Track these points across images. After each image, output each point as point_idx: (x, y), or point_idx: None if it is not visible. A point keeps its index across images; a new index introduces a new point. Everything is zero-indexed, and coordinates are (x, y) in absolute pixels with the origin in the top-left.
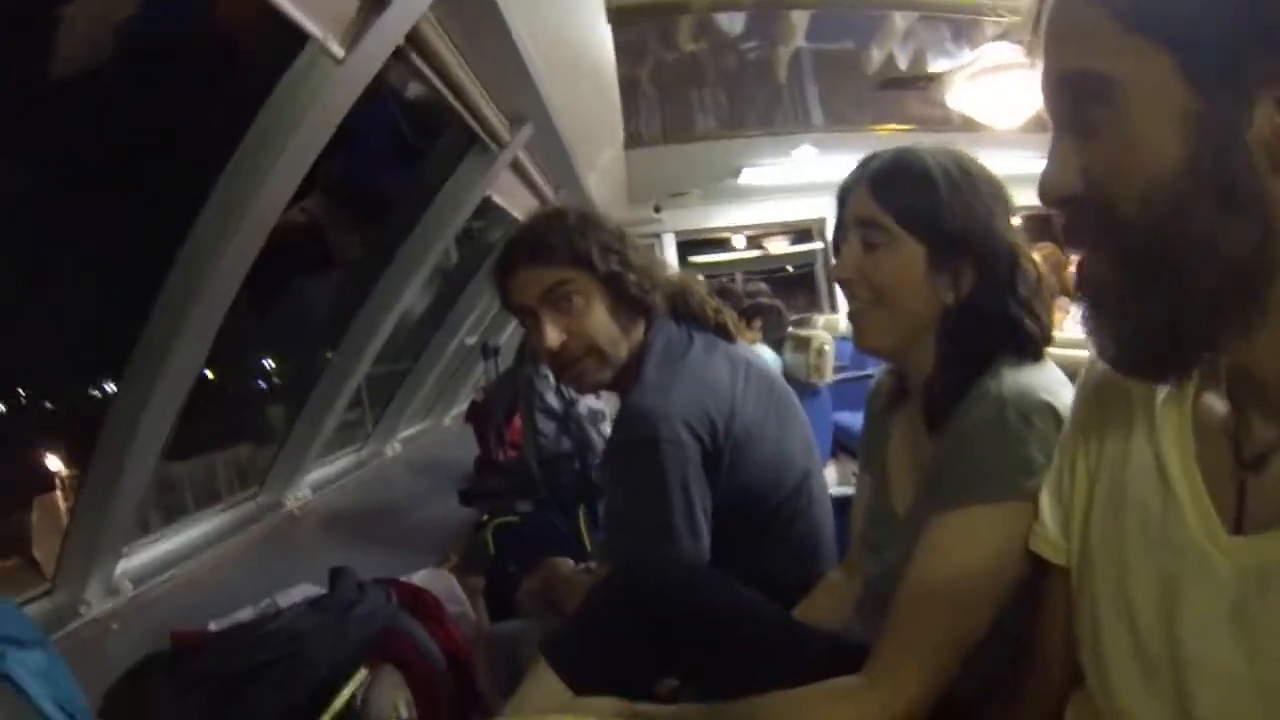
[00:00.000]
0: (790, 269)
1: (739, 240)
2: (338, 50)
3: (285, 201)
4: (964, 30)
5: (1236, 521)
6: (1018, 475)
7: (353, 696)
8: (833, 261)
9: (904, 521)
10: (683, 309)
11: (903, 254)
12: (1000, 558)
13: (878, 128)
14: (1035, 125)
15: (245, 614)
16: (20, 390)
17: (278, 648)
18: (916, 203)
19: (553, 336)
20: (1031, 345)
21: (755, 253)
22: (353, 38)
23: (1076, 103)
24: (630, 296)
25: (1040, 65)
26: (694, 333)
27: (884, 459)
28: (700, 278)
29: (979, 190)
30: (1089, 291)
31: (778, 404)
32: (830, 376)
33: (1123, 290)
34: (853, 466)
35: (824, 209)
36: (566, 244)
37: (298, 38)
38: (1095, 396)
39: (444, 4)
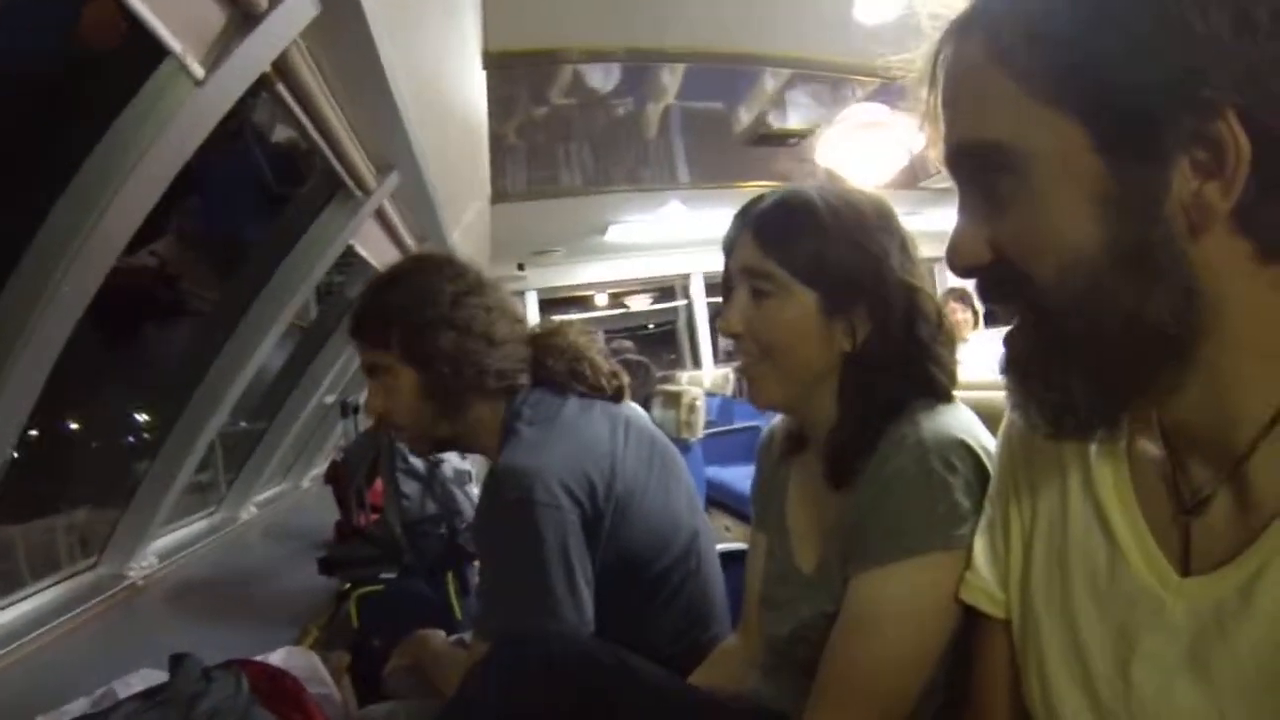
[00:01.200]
0: (652, 326)
1: (601, 298)
2: (198, 70)
3: (132, 230)
4: (833, 90)
5: (1184, 565)
6: (947, 525)
7: None
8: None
9: (812, 580)
10: (549, 372)
11: (793, 303)
12: (936, 612)
13: (745, 184)
14: (902, 181)
15: (78, 705)
16: None
17: None
18: (805, 248)
19: (371, 405)
20: (940, 387)
21: (617, 310)
22: (215, 58)
23: (981, 173)
24: (444, 386)
25: (929, 126)
26: (566, 393)
27: (781, 515)
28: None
29: (869, 228)
30: (1014, 364)
31: (661, 461)
32: (701, 431)
33: (1046, 363)
34: (727, 521)
35: (689, 265)
36: (380, 326)
37: (155, 53)
38: (1022, 449)
39: (316, 32)
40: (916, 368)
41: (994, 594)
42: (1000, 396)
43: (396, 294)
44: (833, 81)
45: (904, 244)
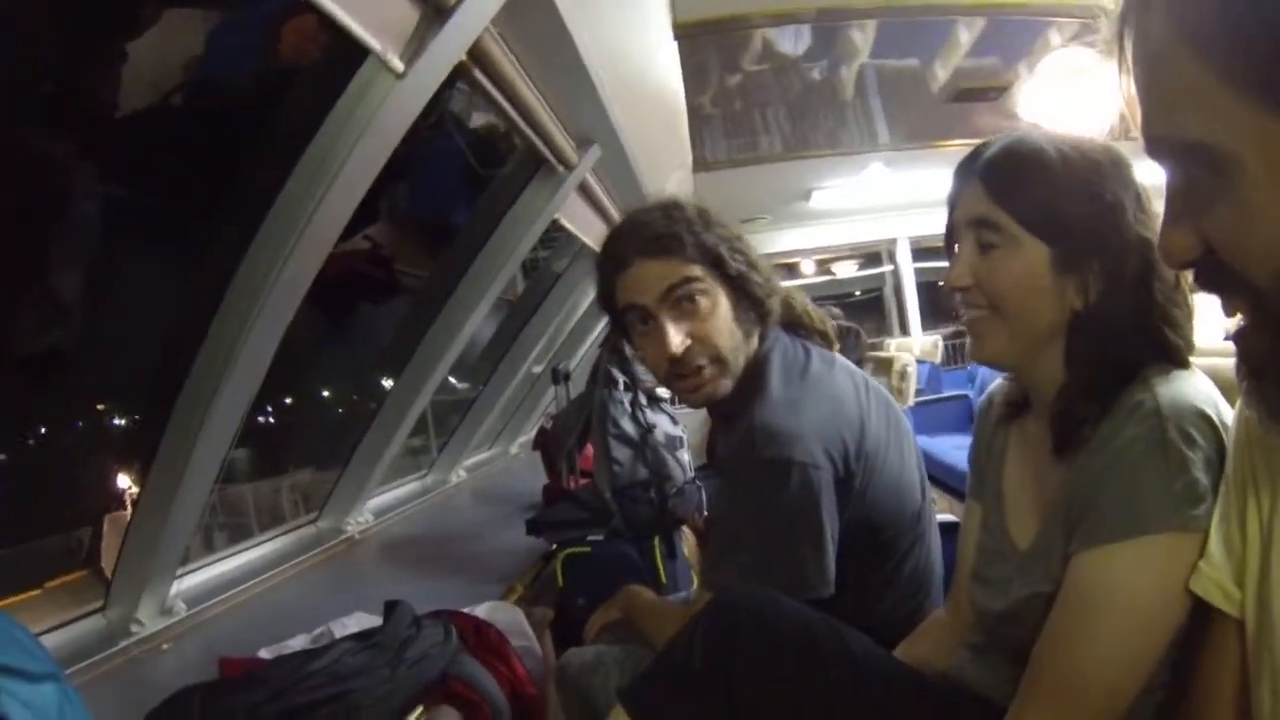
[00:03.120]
0: (859, 293)
1: (807, 265)
2: (398, 64)
3: (346, 219)
4: (1031, 36)
5: None
6: (1184, 504)
7: None
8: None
9: (1028, 555)
10: (790, 317)
11: (1024, 256)
12: (1166, 600)
13: (947, 143)
14: (1118, 132)
15: (298, 641)
16: (99, 405)
17: (324, 688)
18: (1036, 197)
19: (676, 340)
20: (1176, 352)
21: (823, 278)
22: (413, 51)
23: (1184, 168)
24: (755, 300)
25: (1124, 99)
26: (807, 345)
27: (998, 485)
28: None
29: (1105, 178)
30: (1245, 362)
31: (897, 424)
32: (912, 399)
33: (1277, 364)
34: (935, 493)
35: (893, 230)
36: (692, 237)
37: (357, 53)
38: (1262, 433)
39: (507, 18)
40: (1152, 329)
41: (1229, 589)
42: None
43: (690, 211)
44: (1029, 26)
45: (1139, 196)
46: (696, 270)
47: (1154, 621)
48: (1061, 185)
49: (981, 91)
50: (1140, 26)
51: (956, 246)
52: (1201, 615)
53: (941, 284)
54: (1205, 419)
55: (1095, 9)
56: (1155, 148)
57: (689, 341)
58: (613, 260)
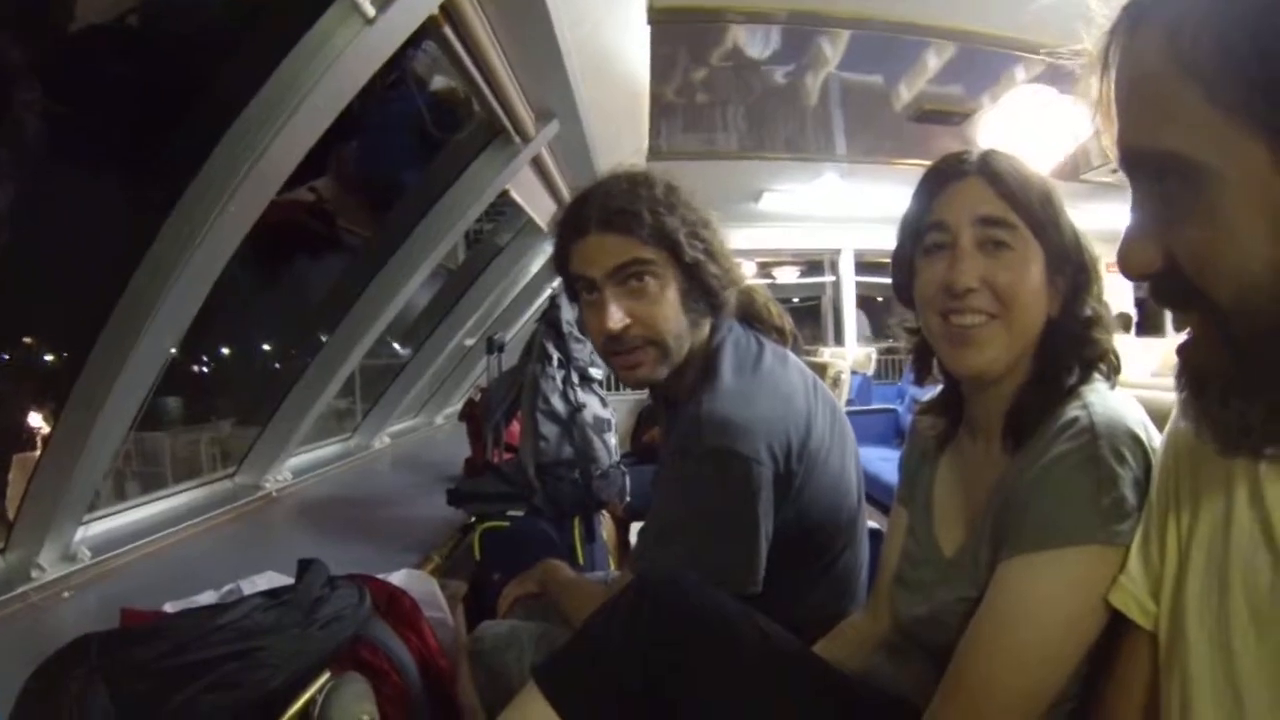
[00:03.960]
0: (797, 300)
1: (749, 266)
2: (369, 8)
3: (296, 160)
4: (998, 69)
5: None
6: (1111, 519)
7: (309, 704)
8: (833, 290)
9: (953, 562)
10: (749, 311)
11: (1031, 256)
12: (1086, 610)
13: (902, 161)
14: (1064, 172)
15: (205, 597)
16: (25, 340)
17: (230, 643)
18: (1037, 199)
19: (615, 318)
20: (1113, 369)
21: (764, 281)
22: None
23: (1156, 180)
24: (708, 289)
25: (1100, 116)
26: (761, 339)
27: (928, 493)
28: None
29: (1060, 194)
30: (1190, 377)
31: (840, 426)
32: (843, 407)
33: (1225, 381)
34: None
35: (839, 241)
36: (653, 217)
37: None
38: (1189, 454)
39: None
40: (1094, 344)
41: (1145, 603)
42: (1161, 397)
43: (658, 188)
44: (998, 59)
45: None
46: (649, 252)
47: (1073, 631)
48: (1049, 193)
49: (944, 115)
50: (1132, 43)
51: (935, 251)
52: (1116, 628)
53: (880, 299)
54: (1136, 440)
55: (1068, 50)
56: (1132, 159)
57: (628, 321)
58: (572, 226)
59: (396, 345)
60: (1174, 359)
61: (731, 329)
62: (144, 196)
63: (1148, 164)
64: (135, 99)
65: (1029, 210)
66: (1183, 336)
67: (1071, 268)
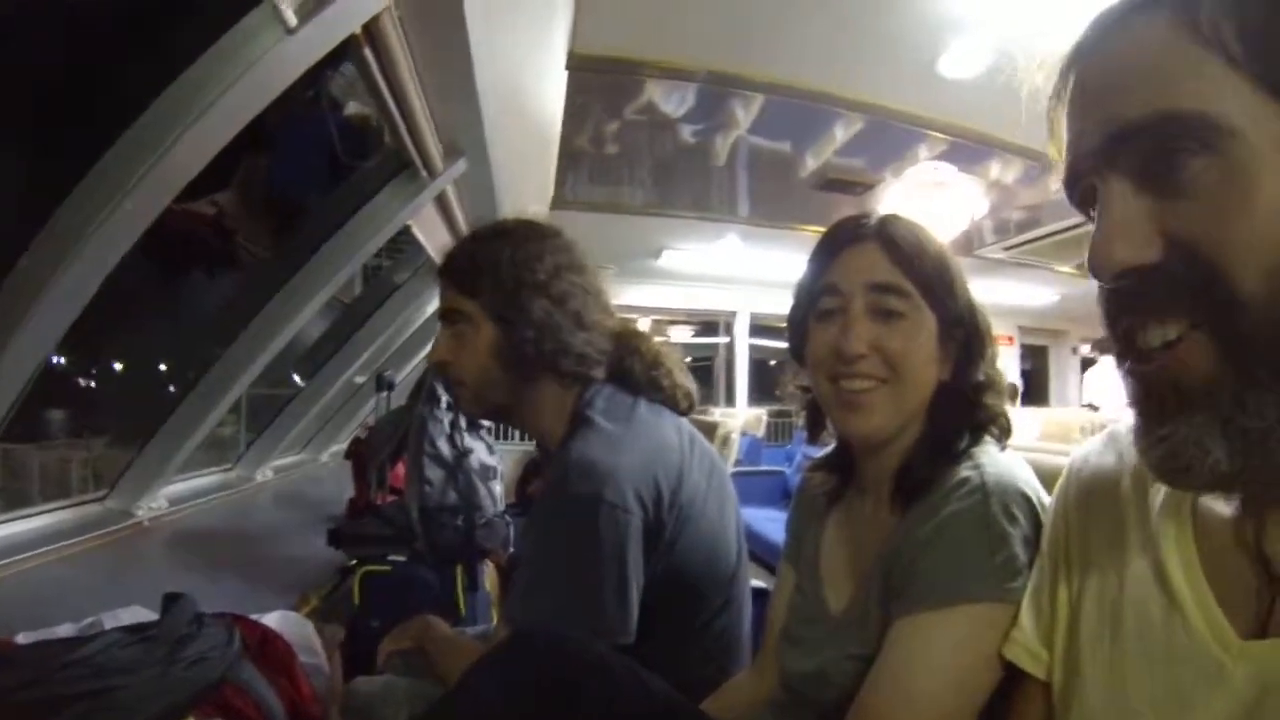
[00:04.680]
0: (689, 359)
1: (644, 324)
2: (291, 18)
3: (199, 165)
4: (904, 143)
5: (1261, 627)
6: (1003, 576)
7: None
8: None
9: (842, 619)
10: (627, 372)
11: (923, 323)
12: (980, 666)
13: (804, 227)
14: (958, 247)
15: (63, 629)
16: None
17: (85, 680)
18: (931, 266)
19: (435, 352)
20: (1003, 430)
21: (657, 338)
22: (310, 8)
23: (1159, 153)
24: (520, 352)
25: (1051, 145)
26: (637, 397)
27: (815, 552)
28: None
29: (956, 261)
30: (1167, 393)
31: (719, 480)
32: (731, 468)
33: (1224, 387)
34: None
35: (735, 303)
36: (475, 273)
37: None
38: (1080, 505)
39: (410, 4)
40: (985, 408)
41: (1036, 652)
42: (1048, 459)
43: (500, 247)
44: (903, 135)
45: None
46: (462, 303)
47: (968, 687)
48: (945, 260)
49: (847, 185)
50: (1126, 31)
51: (829, 317)
52: (1010, 681)
53: (773, 362)
54: (1027, 499)
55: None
56: (1129, 133)
57: (446, 358)
58: (439, 267)
59: (293, 376)
60: (1061, 421)
61: (601, 388)
62: (31, 185)
63: (1148, 134)
64: (40, 77)
65: (923, 278)
66: (1101, 372)
67: (965, 333)
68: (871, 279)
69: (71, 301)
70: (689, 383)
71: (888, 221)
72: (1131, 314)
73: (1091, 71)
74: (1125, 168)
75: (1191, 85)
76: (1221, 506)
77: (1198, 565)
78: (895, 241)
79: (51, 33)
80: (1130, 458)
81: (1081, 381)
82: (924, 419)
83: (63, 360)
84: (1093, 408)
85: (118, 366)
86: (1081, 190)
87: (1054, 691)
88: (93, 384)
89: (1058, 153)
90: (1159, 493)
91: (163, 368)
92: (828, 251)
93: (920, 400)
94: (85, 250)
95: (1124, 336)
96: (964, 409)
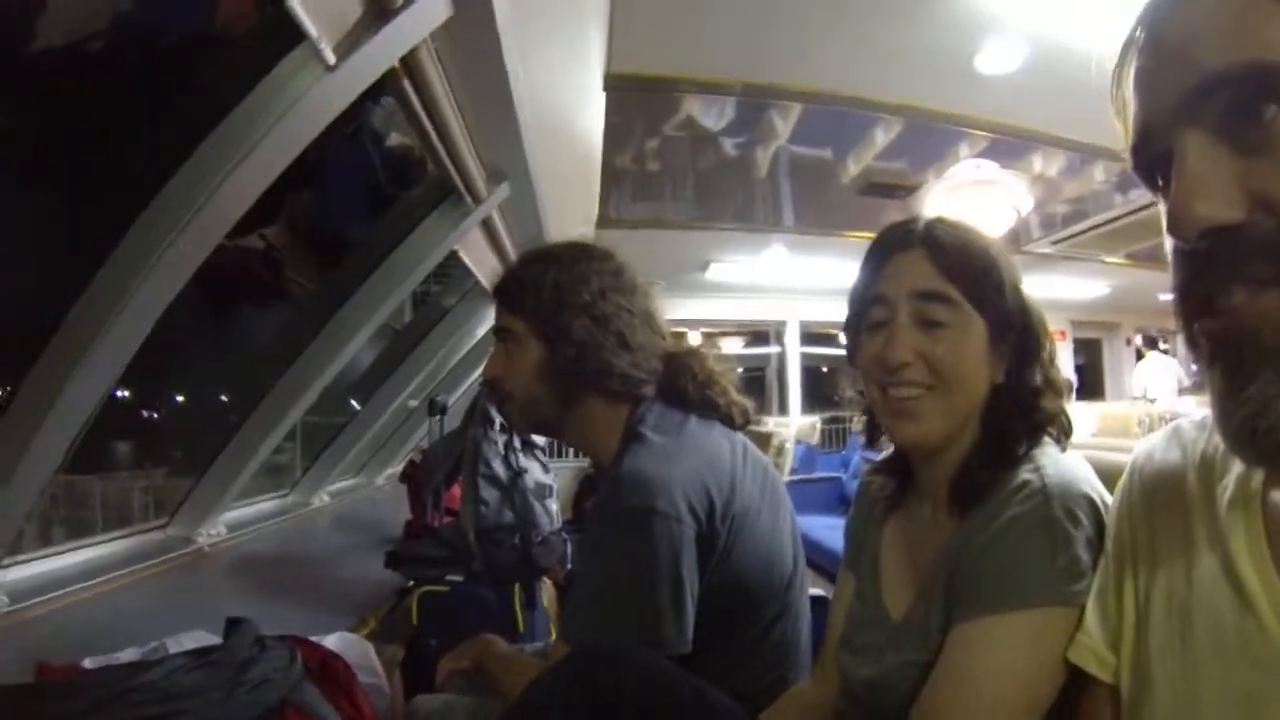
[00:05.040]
0: (741, 370)
1: (695, 337)
2: (330, 56)
3: (248, 204)
4: (944, 144)
5: None
6: (1066, 579)
7: None
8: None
9: (902, 625)
10: (680, 391)
11: (971, 331)
12: (1044, 671)
13: (848, 234)
14: (1008, 245)
15: (128, 654)
16: None
17: (150, 705)
18: (981, 273)
19: (487, 367)
20: (1063, 431)
21: (710, 351)
22: (348, 47)
23: (1239, 107)
24: (563, 369)
25: (1117, 120)
26: (689, 412)
27: (875, 557)
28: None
29: (1008, 259)
30: (1253, 338)
31: (773, 490)
32: (787, 477)
33: None
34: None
35: (785, 313)
36: (518, 292)
37: (292, 35)
38: (1144, 502)
39: (446, 34)
40: (1042, 410)
41: (1103, 656)
42: (1105, 456)
43: (547, 268)
44: (943, 135)
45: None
46: (511, 322)
47: (1032, 692)
48: (994, 261)
49: (890, 189)
50: None
51: (878, 327)
52: (1075, 686)
53: (825, 369)
54: (1089, 500)
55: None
56: (1211, 85)
57: (496, 373)
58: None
59: (351, 401)
60: (1119, 415)
61: (652, 406)
62: (88, 229)
63: (1231, 88)
64: (89, 126)
65: (969, 282)
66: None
67: (1016, 334)
68: (915, 287)
69: (129, 340)
70: (744, 400)
71: (933, 225)
72: (1212, 276)
73: (1170, 24)
74: (1205, 122)
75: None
76: None
77: (1270, 562)
78: (940, 246)
79: (99, 81)
80: (1194, 453)
81: (1133, 374)
82: (979, 423)
83: (124, 393)
84: (1149, 400)
85: (177, 398)
86: (1152, 154)
87: (1122, 696)
88: (153, 415)
89: (1121, 124)
90: (1226, 488)
91: (221, 398)
92: (876, 259)
93: (971, 405)
94: (140, 291)
95: (1200, 301)
96: (1020, 412)
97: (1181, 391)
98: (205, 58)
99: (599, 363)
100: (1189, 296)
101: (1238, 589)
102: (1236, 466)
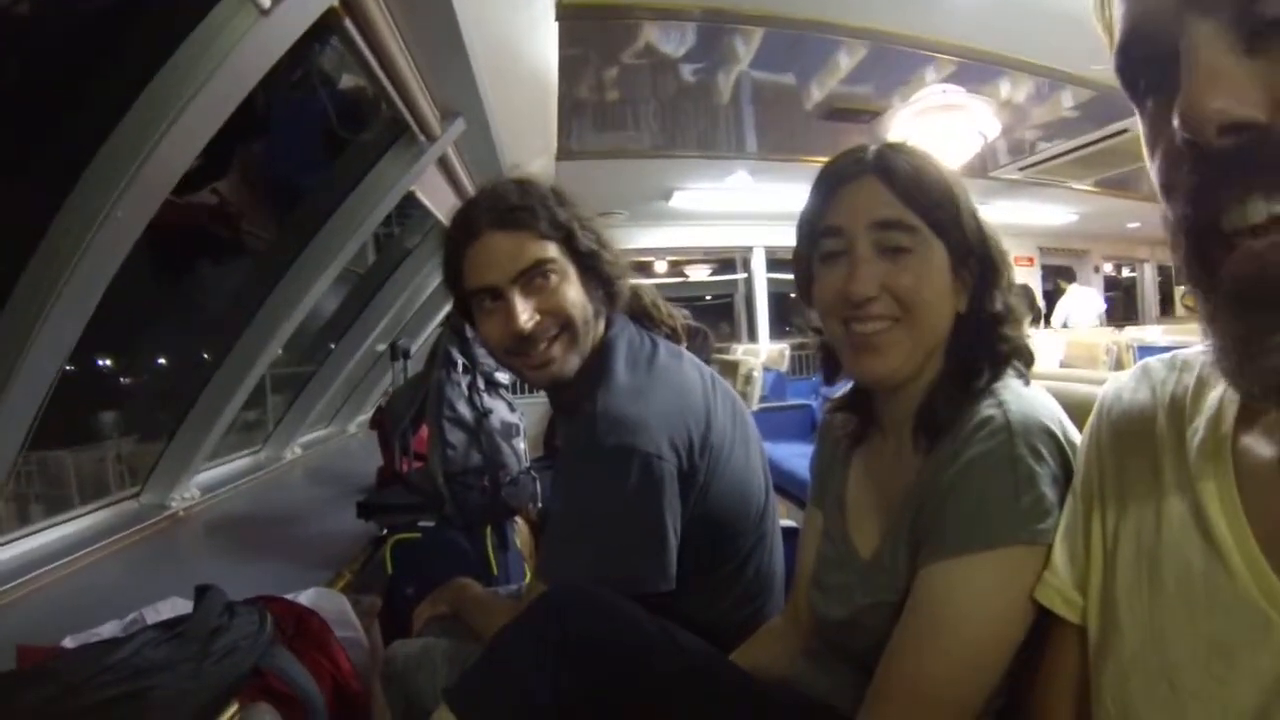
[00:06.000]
0: (709, 297)
1: (661, 265)
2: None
3: (188, 160)
4: (910, 68)
5: None
6: (1032, 518)
7: None
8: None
9: (871, 564)
10: (638, 309)
11: (934, 257)
12: (1012, 612)
13: (813, 159)
14: (972, 170)
15: (108, 628)
16: None
17: (121, 684)
18: (939, 197)
19: (524, 315)
20: (1026, 362)
21: (676, 279)
22: None
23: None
24: (605, 279)
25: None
26: (654, 337)
27: (841, 494)
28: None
29: (962, 186)
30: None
31: (742, 421)
32: (756, 405)
33: None
34: (777, 499)
35: (751, 238)
36: (546, 212)
37: None
38: (1112, 443)
39: None
40: (1005, 339)
41: (1071, 596)
42: (1073, 388)
43: (548, 192)
44: (909, 59)
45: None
46: (550, 249)
47: (1001, 631)
48: (949, 187)
49: (854, 113)
50: None
51: (834, 257)
52: (1042, 624)
53: (793, 295)
54: (1052, 436)
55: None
56: None
57: (538, 317)
58: (463, 230)
59: (322, 347)
60: (1086, 343)
61: (625, 327)
62: (23, 201)
63: None
64: (14, 93)
65: (928, 209)
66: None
67: (977, 261)
68: (873, 217)
69: (79, 312)
70: (673, 310)
71: (885, 152)
72: (1231, 184)
73: None
74: (1219, 13)
75: None
76: (1265, 447)
77: (1241, 511)
78: (895, 173)
79: (19, 45)
80: (1163, 394)
81: (1056, 308)
82: (942, 355)
83: (86, 364)
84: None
85: (142, 363)
86: (1147, 51)
87: (1090, 636)
88: (119, 383)
89: (1103, 24)
90: (1196, 431)
91: (187, 359)
92: (827, 188)
93: (937, 336)
94: (84, 261)
95: (1210, 215)
96: (984, 341)
97: (1100, 323)
98: (132, 12)
99: (620, 269)
100: (1203, 205)
101: (1207, 535)
102: (1206, 410)
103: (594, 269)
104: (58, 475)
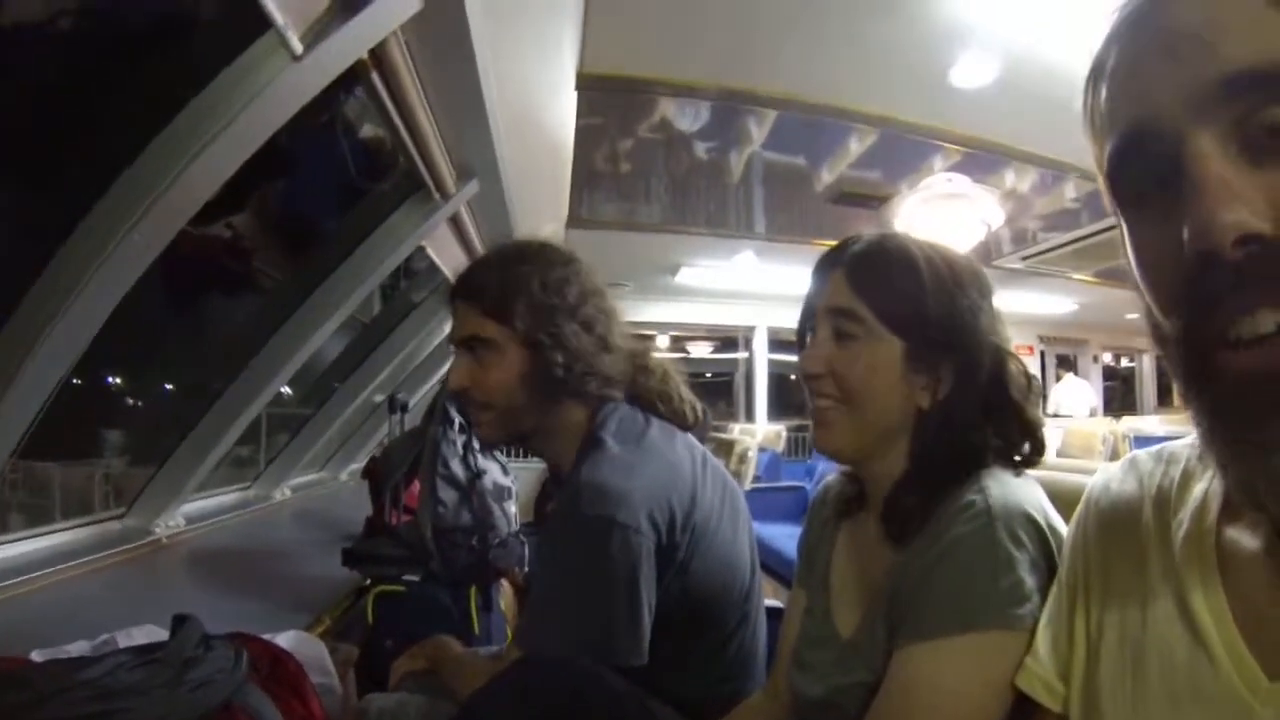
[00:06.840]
0: (710, 375)
1: (663, 340)
2: (297, 45)
3: (209, 192)
4: (918, 155)
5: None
6: (1009, 603)
7: None
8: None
9: (850, 644)
10: (641, 392)
11: (879, 350)
12: (988, 697)
13: (820, 241)
14: (979, 258)
15: (77, 647)
16: None
17: (91, 702)
18: (898, 293)
19: (455, 378)
20: (1018, 456)
21: (677, 355)
22: (315, 36)
23: (1263, 111)
24: (550, 376)
25: (1090, 133)
26: (650, 416)
27: (826, 574)
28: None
29: (964, 283)
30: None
31: (732, 500)
32: (749, 484)
33: None
34: (766, 579)
35: (755, 317)
36: (497, 295)
37: (259, 23)
38: (1099, 534)
39: (416, 27)
40: (1000, 433)
41: (1053, 685)
42: (1064, 478)
43: (529, 272)
44: (918, 146)
45: (995, 307)
46: (488, 328)
47: (976, 716)
48: (922, 284)
49: (861, 198)
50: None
51: (809, 336)
52: (1024, 710)
53: (794, 376)
54: (1033, 523)
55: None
56: (1231, 82)
57: (466, 383)
58: (450, 293)
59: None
60: (1084, 431)
61: (617, 408)
62: (46, 215)
63: (1256, 89)
64: (50, 109)
65: (883, 303)
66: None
67: (954, 359)
68: (829, 303)
69: (85, 327)
70: (694, 398)
71: (858, 244)
72: (1240, 294)
73: (1182, 8)
74: (1223, 124)
75: None
76: (1248, 539)
77: (1224, 602)
78: (857, 265)
79: (62, 64)
80: (1150, 485)
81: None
82: (908, 448)
83: (86, 381)
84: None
85: (141, 387)
86: (1144, 162)
87: None
88: (116, 404)
89: (1092, 135)
90: (1181, 524)
91: (185, 387)
92: (817, 275)
93: (885, 425)
94: (97, 278)
95: (1217, 325)
96: (947, 440)
97: (1091, 414)
98: (169, 42)
99: (587, 367)
100: (1213, 314)
101: (1190, 626)
102: (1191, 502)
103: (539, 363)
104: (42, 487)
